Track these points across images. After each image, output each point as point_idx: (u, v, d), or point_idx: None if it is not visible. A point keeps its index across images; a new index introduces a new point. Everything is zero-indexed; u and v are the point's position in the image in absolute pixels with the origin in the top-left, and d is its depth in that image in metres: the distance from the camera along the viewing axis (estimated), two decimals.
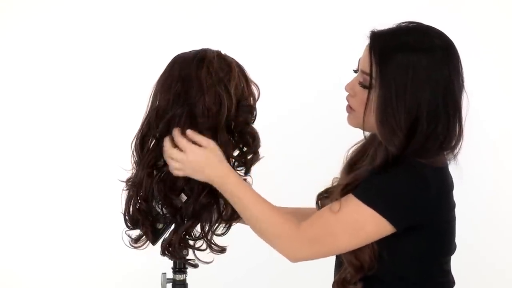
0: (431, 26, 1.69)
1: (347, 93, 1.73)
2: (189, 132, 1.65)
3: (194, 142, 1.65)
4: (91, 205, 2.79)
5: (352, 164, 1.82)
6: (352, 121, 1.73)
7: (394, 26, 1.68)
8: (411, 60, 1.60)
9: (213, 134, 1.65)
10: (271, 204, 1.67)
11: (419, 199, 1.61)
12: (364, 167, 1.68)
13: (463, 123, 1.67)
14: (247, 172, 1.73)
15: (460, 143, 1.67)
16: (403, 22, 1.69)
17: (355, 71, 1.72)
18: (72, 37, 2.76)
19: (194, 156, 1.64)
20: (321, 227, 1.63)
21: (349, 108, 1.72)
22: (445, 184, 1.68)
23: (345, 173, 1.81)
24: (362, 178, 1.65)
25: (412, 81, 1.60)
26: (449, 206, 1.69)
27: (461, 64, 1.66)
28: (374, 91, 1.64)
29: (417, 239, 1.64)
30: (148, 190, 1.68)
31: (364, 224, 1.60)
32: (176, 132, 1.65)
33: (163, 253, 1.73)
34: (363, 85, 1.66)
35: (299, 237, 1.63)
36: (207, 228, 1.71)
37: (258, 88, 1.72)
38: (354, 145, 1.84)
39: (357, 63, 1.71)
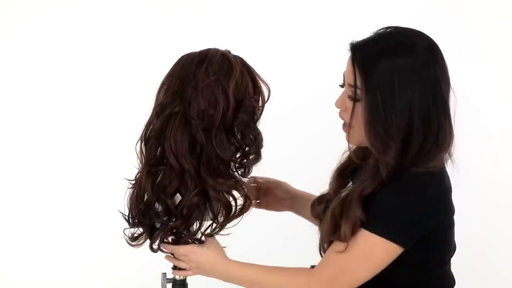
0: (409, 28, 1.66)
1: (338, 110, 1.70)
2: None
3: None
4: (92, 205, 2.79)
5: (341, 171, 1.81)
6: (352, 139, 1.69)
7: (372, 34, 1.65)
8: (395, 65, 1.58)
9: (208, 135, 1.64)
10: (276, 267, 1.71)
11: (424, 215, 1.61)
12: (367, 180, 1.64)
13: (452, 121, 1.64)
14: (247, 173, 1.73)
15: (452, 141, 1.64)
16: (380, 29, 1.65)
17: (342, 86, 1.69)
18: (86, 36, 2.78)
19: (196, 257, 1.72)
20: (335, 267, 1.64)
21: (345, 127, 1.69)
22: (444, 191, 1.65)
23: (336, 180, 1.81)
24: (364, 192, 1.63)
25: (400, 85, 1.57)
26: (449, 211, 1.68)
27: (445, 62, 1.64)
28: (362, 102, 1.61)
29: (418, 247, 1.63)
30: (146, 189, 1.69)
31: (376, 253, 1.61)
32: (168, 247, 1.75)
33: (151, 249, 1.74)
34: (352, 98, 1.63)
35: (316, 283, 1.65)
36: (196, 227, 1.71)
37: (269, 88, 1.71)
38: (345, 151, 1.83)
39: (342, 77, 1.68)
